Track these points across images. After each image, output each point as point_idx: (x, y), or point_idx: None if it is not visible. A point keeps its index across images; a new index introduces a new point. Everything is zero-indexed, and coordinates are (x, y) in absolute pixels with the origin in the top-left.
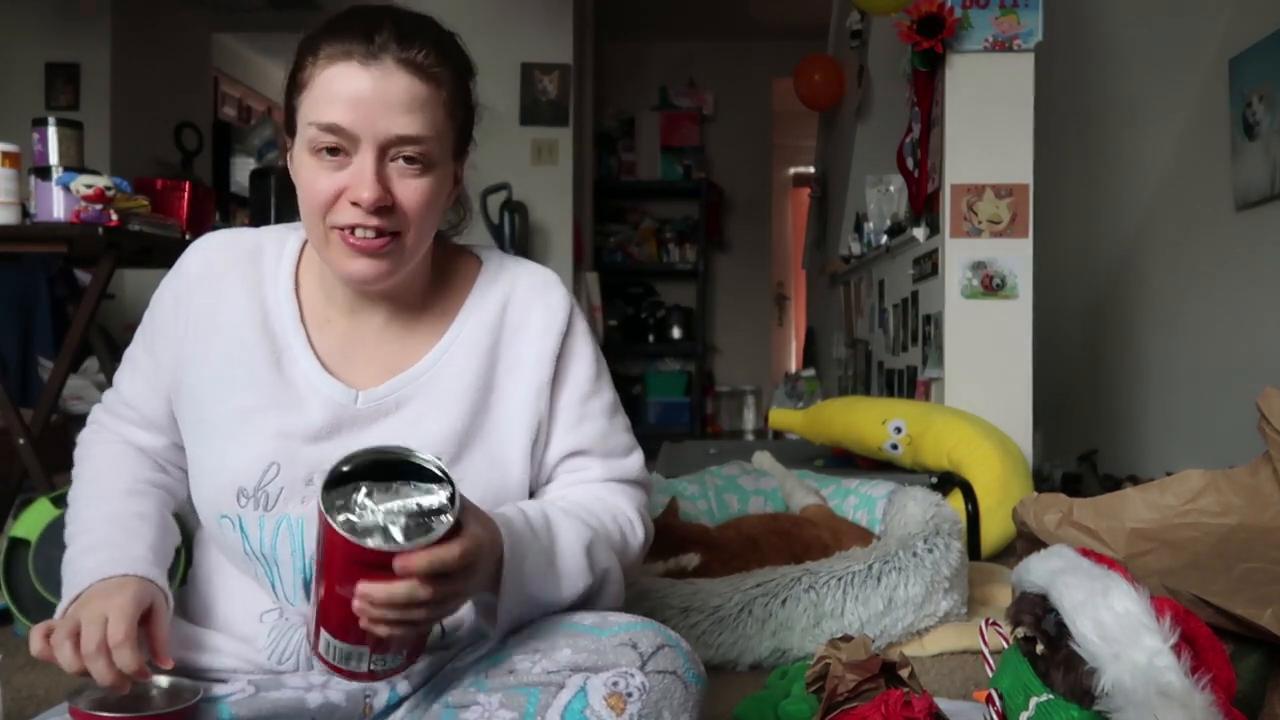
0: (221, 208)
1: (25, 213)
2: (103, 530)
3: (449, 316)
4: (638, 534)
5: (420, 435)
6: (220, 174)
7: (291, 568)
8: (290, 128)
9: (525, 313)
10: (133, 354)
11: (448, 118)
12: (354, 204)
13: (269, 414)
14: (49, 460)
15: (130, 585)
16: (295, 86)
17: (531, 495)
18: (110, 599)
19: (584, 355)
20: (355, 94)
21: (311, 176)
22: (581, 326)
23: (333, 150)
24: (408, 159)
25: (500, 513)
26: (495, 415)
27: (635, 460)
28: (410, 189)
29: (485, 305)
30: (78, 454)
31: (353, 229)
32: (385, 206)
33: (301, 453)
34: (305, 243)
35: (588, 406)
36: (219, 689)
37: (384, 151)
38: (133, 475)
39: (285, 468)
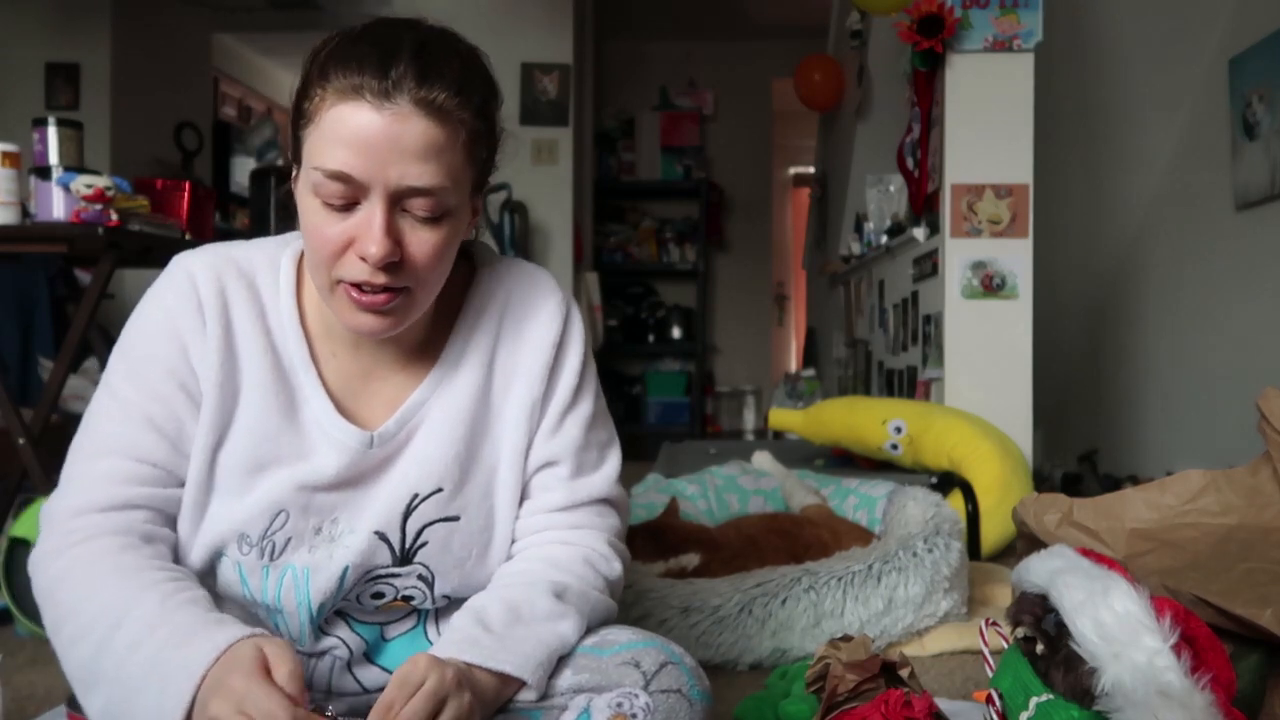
0: (221, 208)
1: (25, 213)
2: (160, 629)
3: (444, 331)
4: (614, 569)
5: (427, 469)
6: (220, 174)
7: (297, 617)
8: (296, 155)
9: (520, 325)
10: (115, 394)
11: (467, 160)
12: (361, 258)
13: (283, 465)
14: (49, 460)
15: (236, 661)
16: (301, 115)
17: None
18: (230, 688)
19: (571, 366)
20: (366, 139)
21: (317, 222)
22: (574, 335)
23: (340, 200)
24: (423, 211)
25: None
26: (492, 435)
27: (607, 474)
28: (422, 241)
29: (481, 318)
30: (45, 583)
31: (360, 285)
32: (394, 261)
33: (313, 502)
34: (299, 261)
35: (566, 418)
36: None
37: (395, 201)
38: (152, 569)
39: (295, 517)
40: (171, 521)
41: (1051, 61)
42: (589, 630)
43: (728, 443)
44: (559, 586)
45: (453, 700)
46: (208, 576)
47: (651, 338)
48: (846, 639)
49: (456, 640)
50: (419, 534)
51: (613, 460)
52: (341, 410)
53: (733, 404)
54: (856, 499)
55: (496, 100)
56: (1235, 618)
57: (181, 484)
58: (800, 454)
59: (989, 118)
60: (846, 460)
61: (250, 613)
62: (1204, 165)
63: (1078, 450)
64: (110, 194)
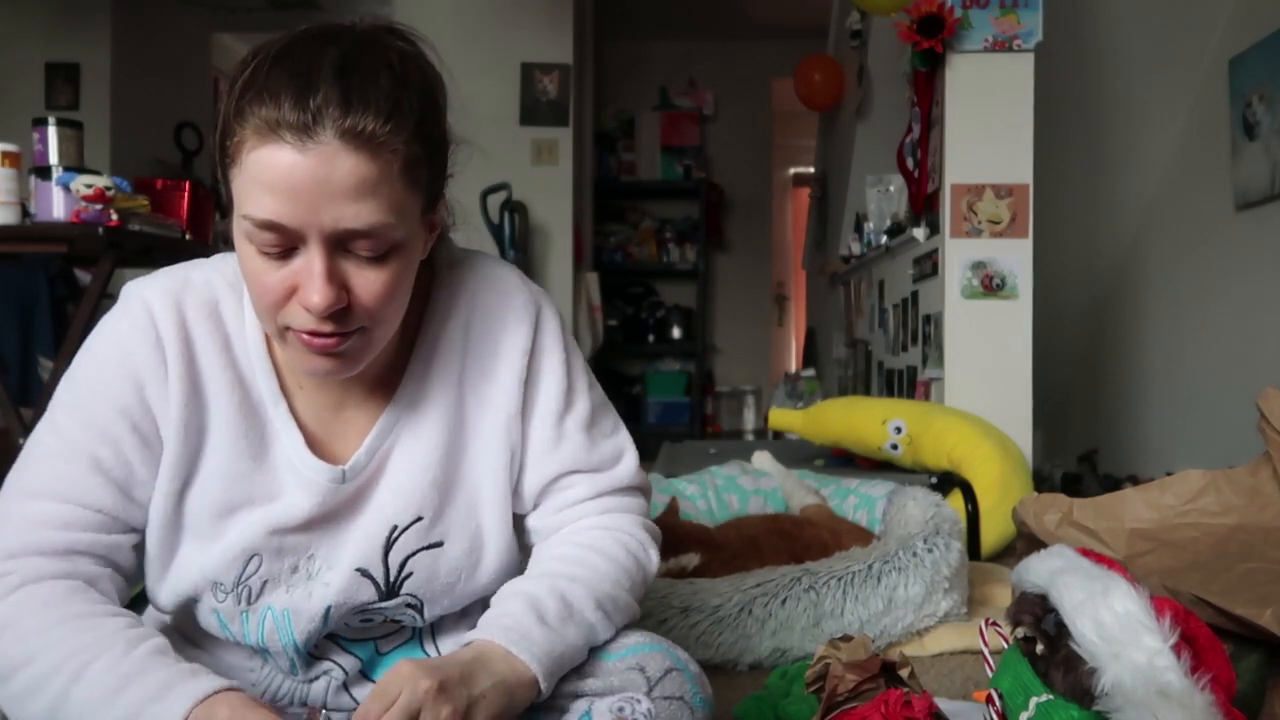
0: (221, 208)
1: (25, 213)
2: (133, 682)
3: (408, 347)
4: (651, 558)
5: (404, 499)
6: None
7: (284, 655)
8: (227, 196)
9: (487, 336)
10: (60, 430)
11: (409, 187)
12: (305, 308)
13: (253, 506)
14: None
15: (215, 708)
16: (225, 155)
17: (517, 524)
18: None
19: (553, 371)
20: (291, 184)
21: (255, 271)
22: (549, 338)
23: (276, 248)
24: (366, 251)
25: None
26: (471, 454)
27: (627, 465)
28: (370, 281)
29: (445, 331)
30: None
31: (310, 331)
32: (342, 307)
33: (286, 543)
34: None
35: (563, 426)
36: None
37: (334, 244)
38: (107, 615)
39: (268, 560)
40: (117, 568)
41: (1051, 61)
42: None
43: (728, 443)
44: (601, 594)
45: (427, 713)
46: (184, 617)
47: (651, 338)
48: (846, 639)
49: (507, 626)
50: (403, 565)
51: (628, 450)
52: (313, 445)
53: (733, 404)
54: (856, 499)
55: (438, 110)
56: (1235, 618)
57: (129, 530)
58: (800, 454)
59: (989, 118)
60: (846, 460)
61: (238, 651)
62: (1204, 165)
63: (1078, 450)
64: (110, 194)
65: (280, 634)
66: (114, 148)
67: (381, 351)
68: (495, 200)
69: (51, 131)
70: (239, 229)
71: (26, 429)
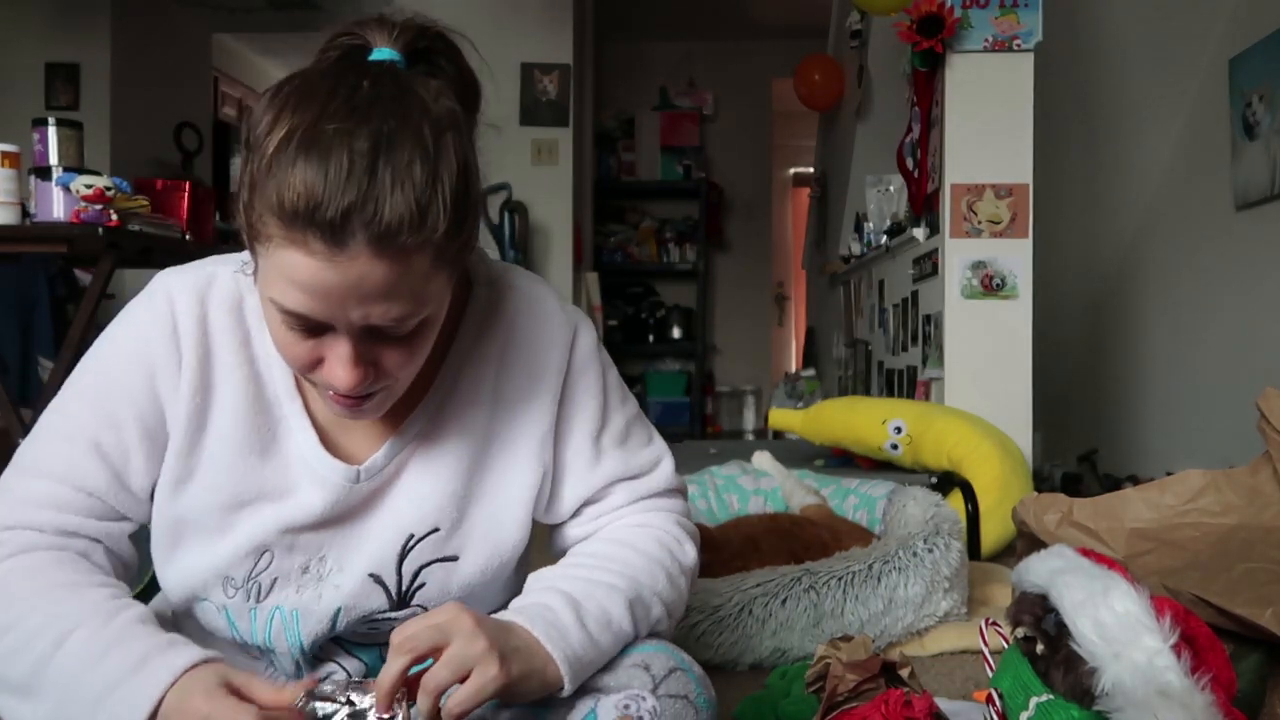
0: (221, 208)
1: (25, 213)
2: (112, 652)
3: (437, 358)
4: (687, 552)
5: (422, 509)
6: (220, 174)
7: (289, 657)
8: (254, 262)
9: (523, 354)
10: (67, 411)
11: (439, 268)
12: (332, 383)
13: (265, 502)
14: None
15: (196, 682)
16: (249, 225)
17: (546, 533)
18: (193, 709)
19: (589, 389)
20: (320, 288)
21: (282, 339)
22: (585, 358)
23: (302, 329)
24: (395, 332)
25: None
26: (496, 472)
27: (664, 470)
28: (398, 355)
29: (479, 346)
30: None
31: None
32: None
33: (299, 541)
34: None
35: (600, 444)
36: None
37: (363, 334)
38: (93, 586)
39: (279, 556)
40: (110, 551)
41: (1051, 61)
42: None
43: (728, 443)
44: (635, 597)
45: (476, 675)
46: (187, 619)
47: (651, 338)
48: (846, 639)
49: (546, 619)
50: (416, 575)
51: (665, 457)
52: (327, 443)
53: (733, 404)
54: (856, 499)
55: (470, 183)
56: (1235, 618)
57: (122, 519)
58: (800, 454)
59: (989, 118)
60: (846, 460)
61: (243, 651)
62: (1204, 165)
63: (1078, 450)
64: (110, 194)
65: (287, 634)
66: (114, 148)
67: None
68: (495, 200)
69: (51, 132)
70: (265, 296)
71: (26, 429)
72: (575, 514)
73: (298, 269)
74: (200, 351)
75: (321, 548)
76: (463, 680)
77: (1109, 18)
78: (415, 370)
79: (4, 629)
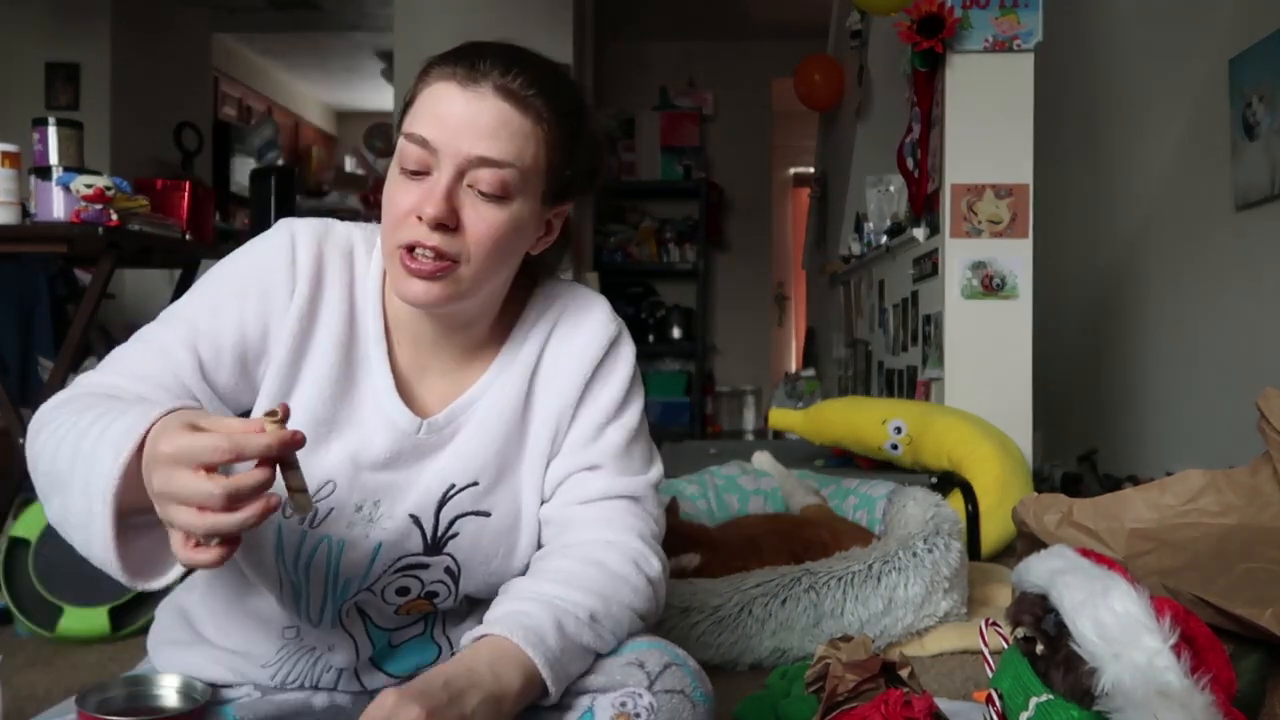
0: (221, 208)
1: (25, 213)
2: (107, 415)
3: (499, 340)
4: (653, 564)
5: (467, 463)
6: (220, 174)
7: (322, 589)
8: (408, 102)
9: (566, 339)
10: (173, 315)
11: (540, 153)
12: (419, 217)
13: (338, 432)
14: None
15: (181, 414)
16: (404, 109)
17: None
18: (160, 450)
19: (614, 383)
20: (447, 112)
21: (393, 192)
22: (620, 359)
23: (416, 172)
24: (485, 185)
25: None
26: (525, 438)
27: (647, 478)
28: (479, 216)
29: (534, 331)
30: (41, 415)
31: (412, 248)
32: (447, 225)
33: (359, 478)
34: None
35: (604, 430)
36: (225, 692)
37: (462, 173)
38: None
39: (340, 489)
40: None
41: (1051, 61)
42: None
43: (728, 443)
44: (605, 614)
45: None
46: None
47: (651, 338)
48: (846, 639)
49: (525, 625)
50: (451, 524)
51: (655, 466)
52: (402, 392)
53: (733, 404)
54: (856, 499)
55: (583, 120)
56: (1235, 618)
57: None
58: (800, 454)
59: (989, 118)
60: (846, 460)
61: (270, 586)
62: (1204, 165)
63: (1078, 450)
64: (110, 194)
65: (328, 564)
66: (114, 148)
67: (476, 331)
68: None
69: (51, 131)
70: (395, 160)
71: (27, 429)
72: (552, 495)
73: (438, 96)
74: (313, 284)
75: (377, 492)
76: None
77: (1109, 18)
78: (483, 259)
79: (46, 441)
